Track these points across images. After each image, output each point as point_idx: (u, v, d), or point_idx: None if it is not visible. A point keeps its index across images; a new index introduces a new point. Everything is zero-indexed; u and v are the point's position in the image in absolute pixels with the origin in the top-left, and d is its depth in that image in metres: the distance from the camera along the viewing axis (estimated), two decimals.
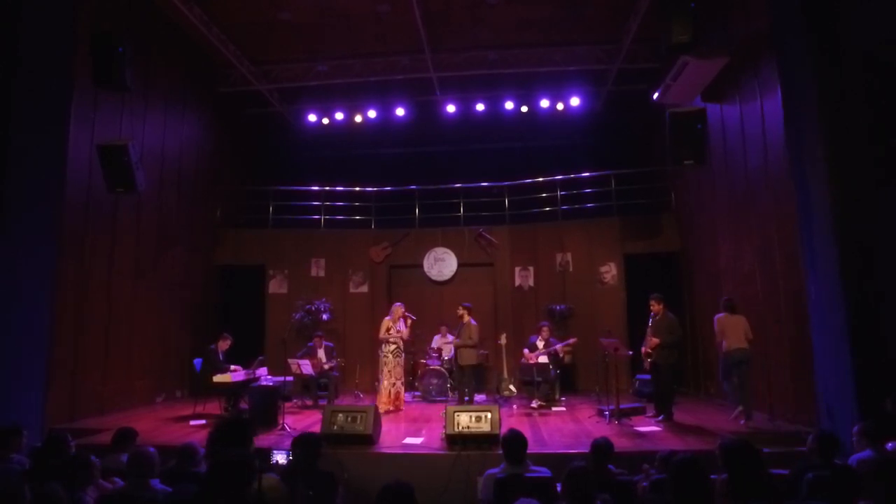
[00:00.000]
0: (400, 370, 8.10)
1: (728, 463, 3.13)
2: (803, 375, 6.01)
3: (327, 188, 11.67)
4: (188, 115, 10.12)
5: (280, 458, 4.25)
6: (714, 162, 8.26)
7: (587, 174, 11.04)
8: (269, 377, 7.85)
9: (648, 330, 7.05)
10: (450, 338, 8.92)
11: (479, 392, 9.44)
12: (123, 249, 8.32)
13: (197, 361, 8.01)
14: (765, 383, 7.01)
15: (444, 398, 8.64)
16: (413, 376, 9.49)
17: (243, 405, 7.56)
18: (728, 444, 3.21)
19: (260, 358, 8.31)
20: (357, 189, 11.65)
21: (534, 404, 7.93)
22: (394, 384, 7.99)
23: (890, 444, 3.79)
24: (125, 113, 8.23)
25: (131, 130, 8.21)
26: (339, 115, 11.89)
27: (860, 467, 3.40)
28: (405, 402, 8.23)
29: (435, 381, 9.00)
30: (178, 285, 9.69)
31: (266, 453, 4.29)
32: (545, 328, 8.51)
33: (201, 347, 8.29)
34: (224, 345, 7.89)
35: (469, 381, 8.16)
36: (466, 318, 8.12)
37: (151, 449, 3.47)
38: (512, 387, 8.56)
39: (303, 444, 3.80)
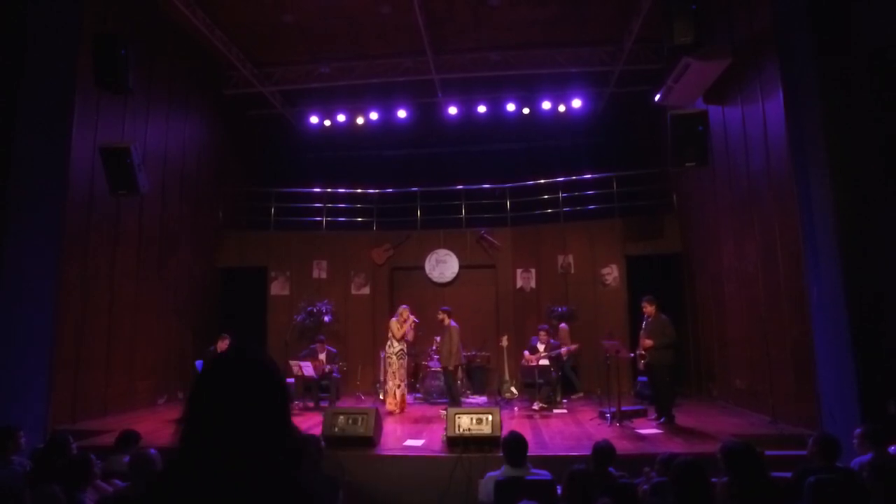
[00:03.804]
0: (403, 372, 8.17)
1: (730, 466, 3.13)
2: (806, 377, 5.98)
3: (329, 190, 11.69)
4: (191, 116, 10.15)
5: None
6: (716, 163, 8.23)
7: (589, 176, 11.03)
8: None
9: (641, 332, 7.09)
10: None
11: (481, 394, 9.45)
12: (126, 251, 8.34)
13: (198, 363, 8.03)
14: (767, 385, 6.99)
15: (445, 400, 8.62)
16: (415, 378, 9.50)
17: None
18: (730, 446, 3.19)
19: None
20: (359, 191, 11.66)
21: (535, 406, 7.92)
22: (398, 386, 8.04)
23: (892, 448, 3.77)
24: (128, 115, 8.26)
25: (134, 132, 8.24)
26: (342, 117, 11.89)
27: (862, 470, 3.39)
28: (407, 403, 8.26)
29: (436, 382, 9.00)
30: (181, 287, 9.71)
31: None
32: (543, 332, 8.50)
33: (204, 349, 8.30)
34: (223, 346, 7.90)
35: (456, 382, 8.18)
36: (447, 321, 8.11)
37: (153, 451, 3.46)
38: (513, 389, 8.55)
39: (306, 448, 3.80)
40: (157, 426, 7.10)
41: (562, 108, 11.39)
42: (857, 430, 3.82)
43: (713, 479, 3.21)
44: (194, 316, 10.05)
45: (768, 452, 5.29)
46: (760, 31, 6.88)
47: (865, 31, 5.53)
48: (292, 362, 8.22)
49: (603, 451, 3.89)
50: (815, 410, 5.73)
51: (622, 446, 5.63)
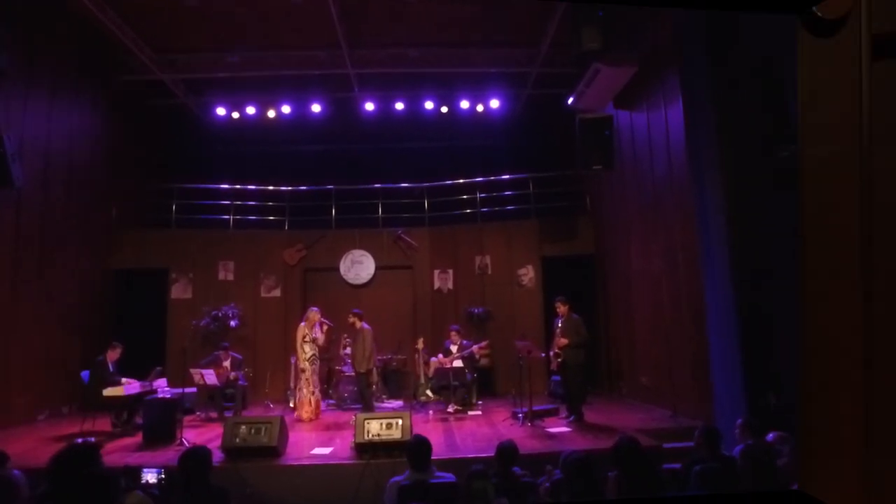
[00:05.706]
0: (316, 378, 7.88)
1: (617, 460, 3.24)
2: (703, 375, 6.30)
3: (238, 186, 11.09)
4: (80, 102, 9.27)
5: (150, 477, 3.92)
6: (625, 167, 8.55)
7: (506, 176, 11.15)
8: (168, 389, 7.29)
9: (557, 331, 7.21)
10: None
11: (397, 398, 9.28)
12: None
13: (84, 374, 7.33)
14: (668, 382, 7.33)
15: (359, 406, 8.38)
16: (328, 384, 9.18)
17: (138, 420, 6.98)
18: (618, 442, 3.33)
19: (157, 369, 7.72)
20: (270, 188, 11.16)
21: (450, 409, 7.86)
22: (313, 393, 7.75)
23: (770, 436, 4.02)
24: (1, 99, 7.40)
25: (8, 118, 7.41)
26: (251, 110, 11.27)
27: (740, 457, 3.60)
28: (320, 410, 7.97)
29: (350, 388, 8.74)
30: (67, 292, 8.82)
31: (135, 472, 3.95)
32: (454, 332, 8.47)
33: (92, 359, 7.58)
34: (114, 355, 7.26)
35: (369, 387, 8.02)
36: (359, 324, 7.93)
37: (16, 472, 3.09)
38: (429, 392, 8.46)
39: (191, 459, 3.54)
40: (34, 445, 6.40)
41: (480, 108, 11.36)
42: (738, 421, 4.06)
43: (609, 473, 3.30)
44: (82, 323, 9.16)
45: (667, 445, 5.54)
46: (663, 42, 7.20)
47: (756, 48, 5.91)
48: (193, 370, 7.68)
49: (506, 451, 3.88)
50: (710, 405, 6.05)
51: (531, 445, 5.69)
